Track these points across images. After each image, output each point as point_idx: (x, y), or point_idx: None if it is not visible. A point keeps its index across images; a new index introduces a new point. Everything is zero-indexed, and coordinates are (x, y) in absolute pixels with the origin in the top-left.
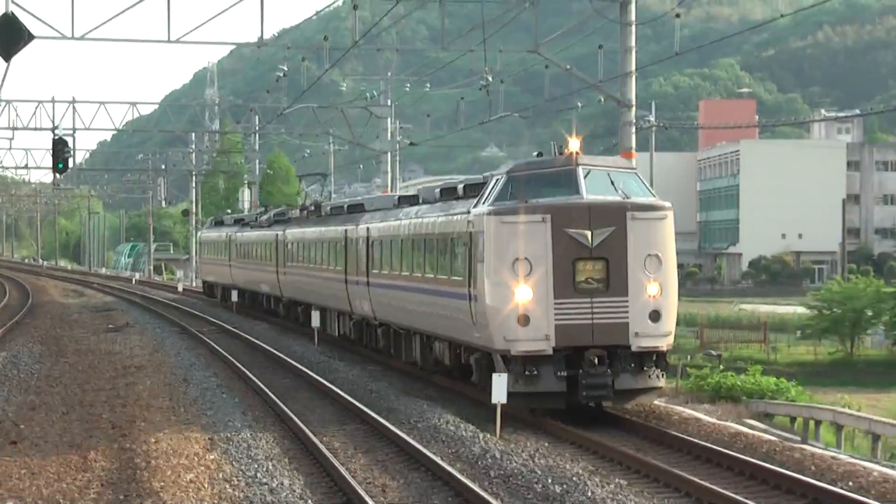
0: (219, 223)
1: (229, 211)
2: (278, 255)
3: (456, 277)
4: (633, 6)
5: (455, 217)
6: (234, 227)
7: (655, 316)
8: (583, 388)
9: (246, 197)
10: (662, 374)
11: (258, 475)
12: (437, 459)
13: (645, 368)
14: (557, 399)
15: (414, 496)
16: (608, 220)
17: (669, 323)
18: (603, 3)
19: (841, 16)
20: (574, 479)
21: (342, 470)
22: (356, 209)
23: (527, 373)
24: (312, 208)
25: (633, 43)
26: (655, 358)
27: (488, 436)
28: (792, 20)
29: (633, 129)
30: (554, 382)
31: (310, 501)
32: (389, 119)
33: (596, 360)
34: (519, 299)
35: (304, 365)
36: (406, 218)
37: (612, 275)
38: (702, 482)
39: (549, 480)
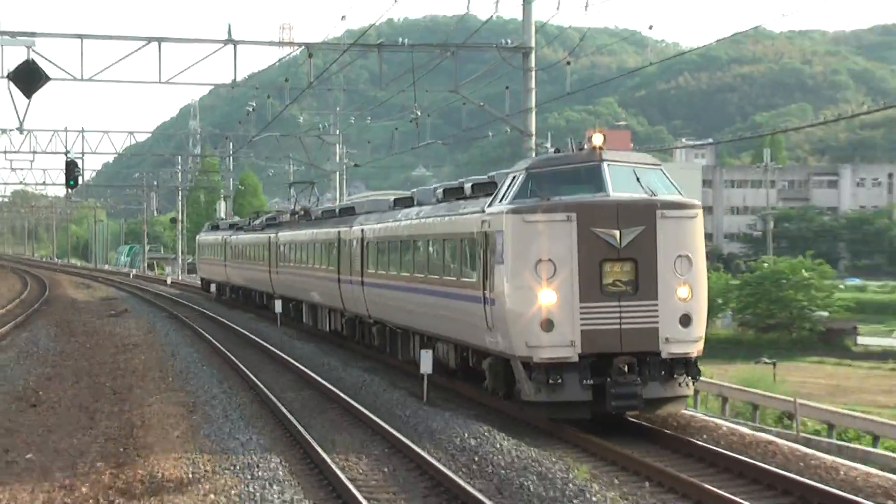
0: (215, 227)
1: (223, 217)
2: (271, 256)
3: (467, 279)
4: (532, 55)
5: (466, 217)
6: (229, 230)
7: (686, 320)
8: (611, 397)
9: (222, 208)
10: (692, 382)
11: (232, 432)
12: (375, 418)
13: (675, 376)
14: (582, 408)
15: (357, 446)
16: (637, 218)
17: (700, 328)
18: (509, 53)
19: (697, 64)
20: (485, 434)
21: (299, 426)
22: (347, 212)
23: (550, 381)
24: (302, 213)
25: (533, 85)
26: (686, 365)
27: (417, 400)
28: (658, 67)
29: (534, 155)
30: (579, 391)
31: (273, 452)
32: (337, 145)
33: (626, 368)
34: (542, 303)
35: (269, 343)
36: (405, 219)
37: (641, 277)
38: (586, 435)
39: (466, 435)
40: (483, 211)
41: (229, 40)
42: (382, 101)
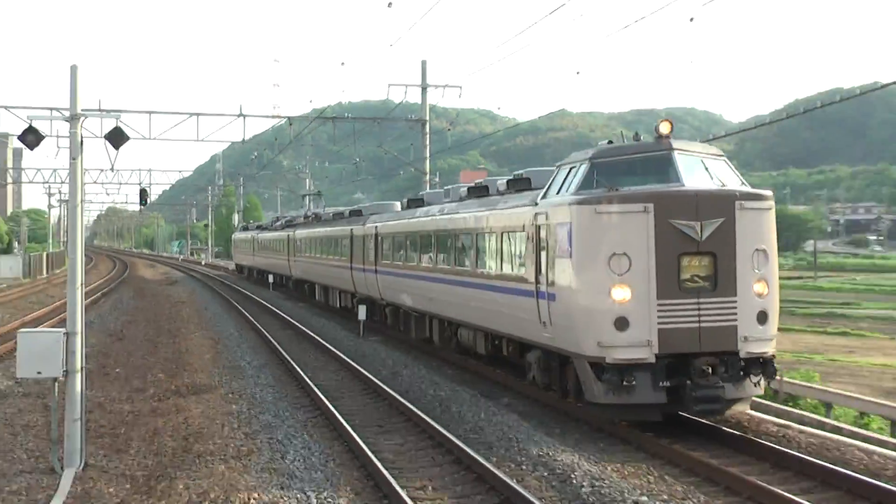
0: (245, 228)
1: (244, 223)
2: (289, 248)
3: (514, 272)
4: (427, 125)
5: (512, 210)
6: (257, 230)
7: (763, 317)
8: (693, 400)
9: (236, 218)
10: (768, 381)
11: (241, 354)
12: (330, 346)
13: (750, 376)
14: (653, 410)
15: (320, 362)
16: (716, 210)
17: (775, 325)
18: (413, 123)
19: (527, 131)
20: (403, 357)
21: (283, 352)
22: (356, 214)
23: (624, 383)
24: (313, 216)
25: (428, 143)
26: (762, 364)
27: (356, 336)
28: (504, 133)
29: (428, 186)
30: (653, 393)
31: (267, 368)
32: (307, 179)
33: (709, 370)
34: (616, 300)
35: (265, 301)
36: (425, 216)
37: (720, 272)
38: (476, 365)
39: (385, 357)
40: (535, 204)
41: (241, 114)
42: (335, 152)
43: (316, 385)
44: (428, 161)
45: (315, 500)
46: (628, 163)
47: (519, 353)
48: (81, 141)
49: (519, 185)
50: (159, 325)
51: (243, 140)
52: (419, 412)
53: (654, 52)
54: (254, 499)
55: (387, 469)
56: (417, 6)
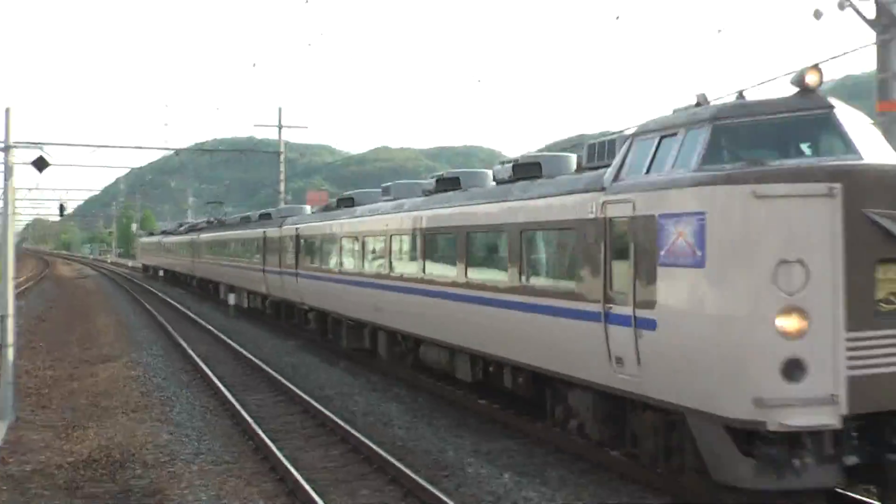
0: (151, 234)
1: (159, 228)
2: (193, 250)
3: (553, 284)
4: (282, 156)
5: (551, 200)
6: (162, 235)
7: None
8: None
9: (134, 227)
10: None
11: (138, 331)
12: (206, 324)
13: None
14: (819, 496)
15: (198, 338)
16: None
17: None
18: (271, 154)
19: (358, 161)
20: (259, 331)
21: (170, 328)
22: (265, 217)
23: (795, 461)
24: (216, 221)
25: (283, 169)
26: None
27: (227, 317)
28: (340, 162)
29: (283, 203)
30: (827, 474)
31: (158, 343)
32: (190, 197)
33: None
34: (786, 331)
35: (158, 291)
36: (373, 214)
37: None
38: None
39: (251, 333)
40: (601, 189)
41: (139, 146)
42: (211, 176)
43: (196, 354)
44: (283, 184)
45: (197, 443)
46: (771, 126)
47: (531, 385)
48: (13, 167)
49: (528, 170)
50: (74, 309)
51: (140, 166)
52: (275, 374)
53: (451, 102)
54: (149, 442)
55: (251, 417)
56: (276, 67)
